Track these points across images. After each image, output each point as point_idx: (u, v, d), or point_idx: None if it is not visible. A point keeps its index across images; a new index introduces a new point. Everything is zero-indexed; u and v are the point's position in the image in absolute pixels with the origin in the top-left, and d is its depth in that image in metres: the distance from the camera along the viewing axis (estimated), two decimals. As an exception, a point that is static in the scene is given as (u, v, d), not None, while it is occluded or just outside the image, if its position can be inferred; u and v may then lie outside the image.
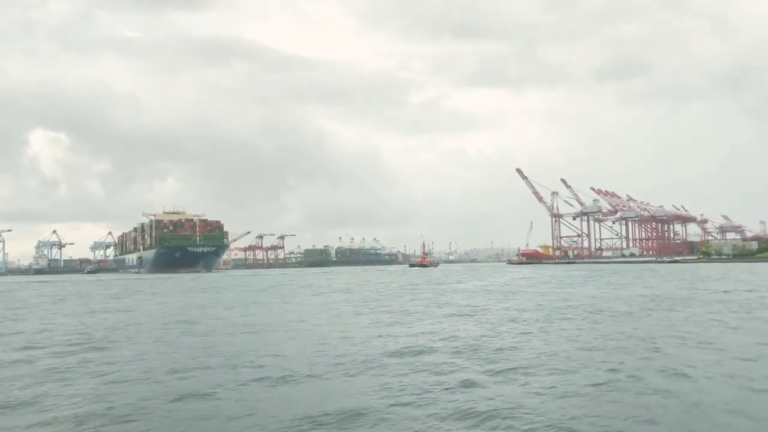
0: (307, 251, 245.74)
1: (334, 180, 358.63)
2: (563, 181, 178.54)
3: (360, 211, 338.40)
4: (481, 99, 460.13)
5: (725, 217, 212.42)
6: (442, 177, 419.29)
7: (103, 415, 8.03)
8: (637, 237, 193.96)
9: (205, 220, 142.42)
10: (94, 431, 7.44)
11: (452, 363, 11.30)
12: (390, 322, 19.22)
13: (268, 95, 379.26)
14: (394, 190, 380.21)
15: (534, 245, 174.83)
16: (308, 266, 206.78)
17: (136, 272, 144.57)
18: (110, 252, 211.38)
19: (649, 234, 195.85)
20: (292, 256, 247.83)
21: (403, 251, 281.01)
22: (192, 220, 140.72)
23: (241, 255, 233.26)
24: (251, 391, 9.32)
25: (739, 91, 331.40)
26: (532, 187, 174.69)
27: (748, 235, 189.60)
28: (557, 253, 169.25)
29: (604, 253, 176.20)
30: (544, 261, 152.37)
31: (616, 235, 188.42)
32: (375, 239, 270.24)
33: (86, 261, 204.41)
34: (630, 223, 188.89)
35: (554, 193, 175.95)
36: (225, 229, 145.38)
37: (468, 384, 9.46)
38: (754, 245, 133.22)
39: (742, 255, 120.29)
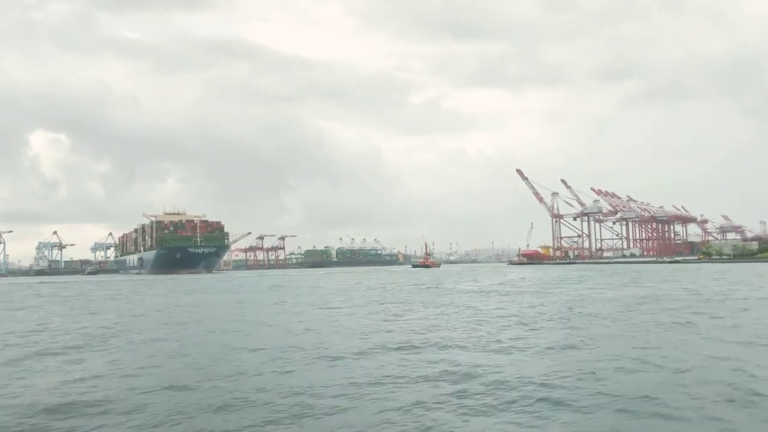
0: (307, 252, 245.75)
1: (334, 180, 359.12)
2: (563, 181, 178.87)
3: (360, 211, 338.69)
4: (481, 99, 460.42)
5: (725, 218, 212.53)
6: (442, 177, 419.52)
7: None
8: (637, 237, 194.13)
9: (206, 221, 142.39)
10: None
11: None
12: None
13: (268, 95, 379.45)
14: (394, 190, 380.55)
15: (534, 246, 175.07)
16: (309, 267, 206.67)
17: (136, 273, 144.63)
18: (111, 253, 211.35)
19: (650, 234, 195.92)
20: (293, 256, 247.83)
21: (403, 252, 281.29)
22: (193, 221, 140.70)
23: (241, 256, 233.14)
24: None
25: (740, 91, 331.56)
26: (532, 187, 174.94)
27: (749, 235, 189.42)
28: (558, 253, 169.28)
29: (605, 254, 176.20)
30: (544, 261, 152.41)
31: (617, 235, 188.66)
32: (375, 240, 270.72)
33: (87, 262, 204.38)
34: (630, 224, 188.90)
35: (554, 194, 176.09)
36: (225, 230, 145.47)
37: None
38: (755, 245, 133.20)
39: (742, 255, 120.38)
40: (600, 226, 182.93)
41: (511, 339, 14.64)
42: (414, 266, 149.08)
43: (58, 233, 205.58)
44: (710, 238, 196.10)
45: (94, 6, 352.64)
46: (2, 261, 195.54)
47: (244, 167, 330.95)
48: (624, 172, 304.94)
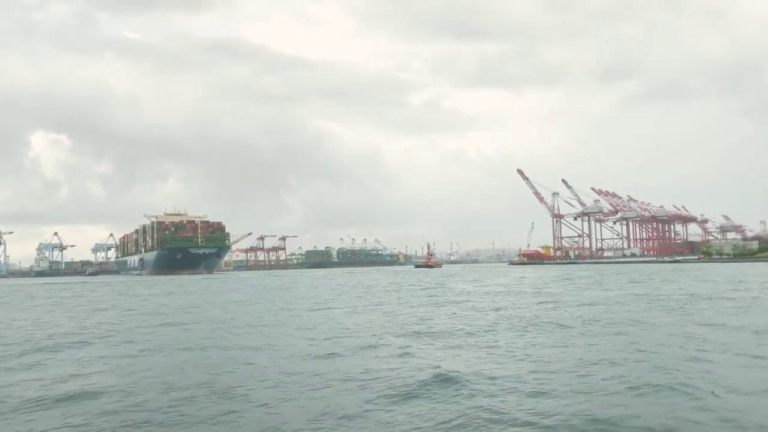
0: (308, 252, 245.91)
1: (334, 180, 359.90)
2: (564, 181, 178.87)
3: (360, 211, 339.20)
4: (481, 99, 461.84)
5: (726, 217, 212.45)
6: (442, 177, 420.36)
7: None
8: (638, 237, 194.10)
9: (207, 222, 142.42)
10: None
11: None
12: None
13: (268, 96, 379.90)
14: (394, 190, 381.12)
15: (535, 246, 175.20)
16: (309, 267, 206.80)
17: (137, 274, 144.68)
18: (111, 254, 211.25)
19: (650, 234, 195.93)
20: (293, 257, 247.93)
21: (404, 252, 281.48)
22: (193, 221, 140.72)
23: (242, 256, 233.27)
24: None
25: (740, 91, 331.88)
26: (532, 187, 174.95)
27: (749, 234, 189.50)
28: (558, 253, 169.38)
29: (605, 254, 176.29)
30: (545, 261, 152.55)
31: (617, 235, 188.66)
32: (376, 240, 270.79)
33: (87, 263, 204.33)
34: (631, 224, 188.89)
35: (555, 194, 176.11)
36: (226, 231, 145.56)
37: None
38: (755, 245, 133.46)
39: (742, 255, 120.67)
40: (600, 225, 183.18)
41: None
42: (417, 266, 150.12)
43: (58, 234, 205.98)
44: (710, 237, 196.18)
45: (94, 6, 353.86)
46: (3, 262, 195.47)
47: (245, 167, 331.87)
48: (624, 171, 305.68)
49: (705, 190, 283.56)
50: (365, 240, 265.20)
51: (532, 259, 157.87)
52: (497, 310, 22.95)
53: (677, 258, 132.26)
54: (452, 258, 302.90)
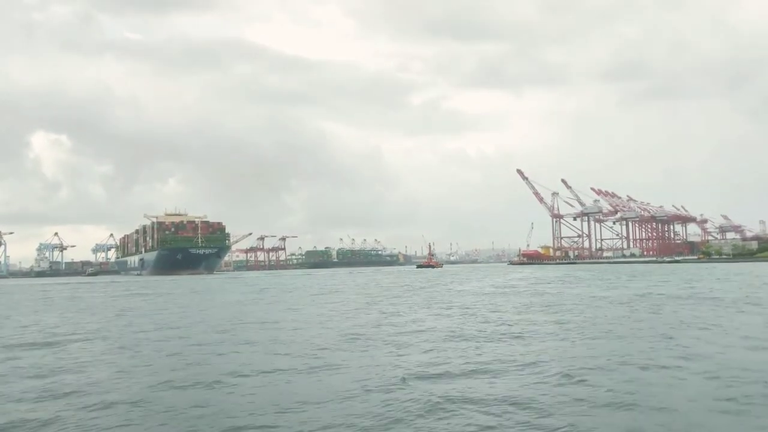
0: (308, 252, 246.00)
1: (335, 181, 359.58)
2: (563, 181, 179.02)
3: (360, 211, 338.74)
4: (481, 99, 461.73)
5: (725, 217, 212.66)
6: (442, 177, 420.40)
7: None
8: (637, 237, 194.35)
9: (207, 222, 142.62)
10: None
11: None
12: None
13: (268, 96, 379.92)
14: (394, 190, 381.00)
15: (535, 246, 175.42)
16: (310, 267, 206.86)
17: (137, 274, 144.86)
18: (112, 254, 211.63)
19: (650, 234, 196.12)
20: (294, 257, 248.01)
21: (404, 252, 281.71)
22: (194, 221, 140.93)
23: (242, 257, 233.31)
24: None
25: (740, 91, 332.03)
26: (532, 187, 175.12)
27: (748, 234, 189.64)
28: (558, 253, 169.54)
29: (605, 254, 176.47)
30: (545, 261, 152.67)
31: (617, 235, 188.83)
32: (376, 240, 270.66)
33: (88, 263, 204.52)
34: (630, 224, 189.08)
35: (555, 194, 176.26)
36: (226, 231, 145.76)
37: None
38: (754, 245, 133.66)
39: (742, 255, 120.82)
40: (600, 226, 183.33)
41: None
42: (418, 266, 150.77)
43: (59, 234, 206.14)
44: (710, 237, 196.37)
45: (95, 7, 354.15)
46: (3, 262, 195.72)
47: (245, 168, 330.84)
48: (624, 171, 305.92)
49: (705, 190, 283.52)
50: (365, 240, 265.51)
51: (532, 259, 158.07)
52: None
53: (677, 258, 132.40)
54: (452, 258, 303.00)
